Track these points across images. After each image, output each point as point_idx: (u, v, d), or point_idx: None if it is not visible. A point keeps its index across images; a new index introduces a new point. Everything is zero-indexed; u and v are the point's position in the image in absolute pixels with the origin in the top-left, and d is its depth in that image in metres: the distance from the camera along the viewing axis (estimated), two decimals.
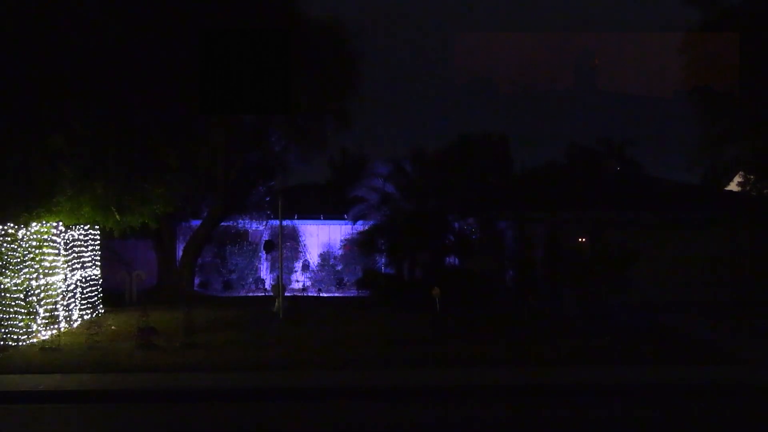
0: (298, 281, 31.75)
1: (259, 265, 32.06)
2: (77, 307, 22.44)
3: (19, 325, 18.74)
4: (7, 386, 14.52)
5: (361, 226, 29.98)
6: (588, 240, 27.50)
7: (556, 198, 30.04)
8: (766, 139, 25.05)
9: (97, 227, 24.13)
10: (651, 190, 31.36)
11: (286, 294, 24.43)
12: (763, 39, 24.08)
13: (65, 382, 14.84)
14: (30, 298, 19.26)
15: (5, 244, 18.64)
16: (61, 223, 21.19)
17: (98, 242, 24.72)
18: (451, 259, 29.64)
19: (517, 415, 13.22)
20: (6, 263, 18.62)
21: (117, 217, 21.68)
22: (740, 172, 28.18)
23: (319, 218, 33.27)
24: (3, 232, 18.64)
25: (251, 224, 32.02)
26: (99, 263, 24.76)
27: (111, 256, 27.98)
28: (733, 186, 29.80)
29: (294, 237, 32.26)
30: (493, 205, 30.20)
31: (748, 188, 27.71)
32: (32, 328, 19.25)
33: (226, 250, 31.67)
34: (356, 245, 30.02)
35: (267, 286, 30.43)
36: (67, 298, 21.48)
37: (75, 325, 21.92)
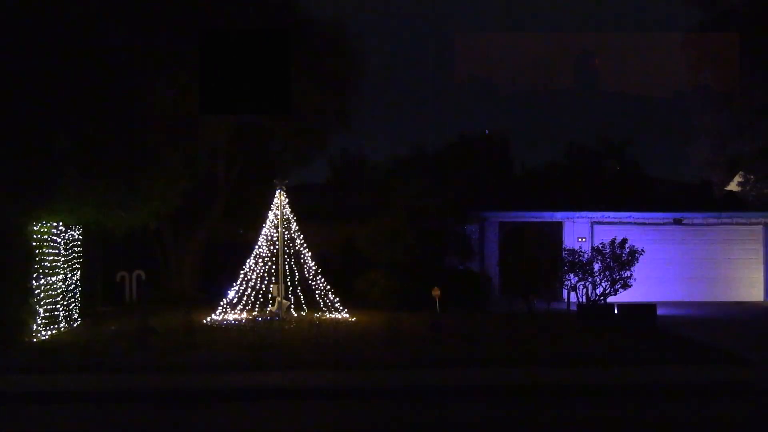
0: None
1: None
2: (77, 307, 22.45)
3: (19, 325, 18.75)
4: (7, 386, 14.52)
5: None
6: (588, 240, 27.52)
7: (556, 198, 30.06)
8: (766, 139, 25.04)
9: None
10: (651, 190, 31.39)
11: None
12: (763, 39, 24.07)
13: (65, 382, 14.85)
14: (30, 299, 19.27)
15: None
16: (61, 223, 21.20)
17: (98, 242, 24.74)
18: (451, 259, 29.63)
19: (517, 415, 13.23)
20: None
21: (123, 215, 21.71)
22: (740, 172, 28.18)
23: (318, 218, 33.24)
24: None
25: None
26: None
27: (111, 256, 27.98)
28: (733, 186, 29.81)
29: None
30: (493, 205, 30.21)
31: (748, 188, 27.71)
32: (32, 328, 19.26)
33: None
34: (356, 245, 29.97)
35: None
36: (67, 298, 21.50)
37: (75, 325, 21.93)
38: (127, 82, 21.38)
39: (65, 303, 21.35)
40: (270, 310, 23.46)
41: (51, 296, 20.37)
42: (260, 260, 23.46)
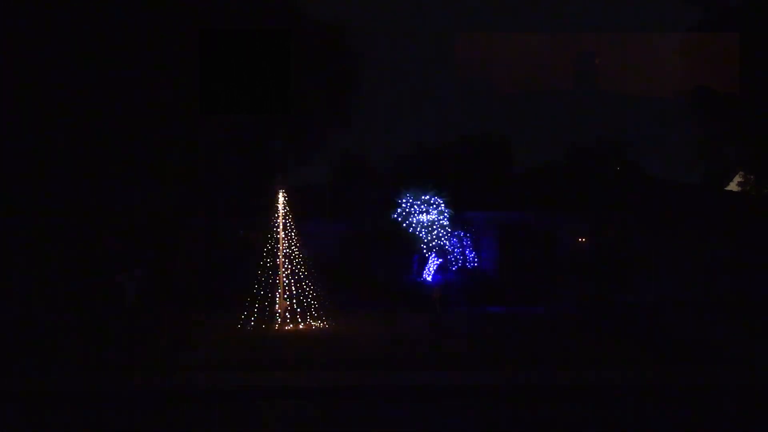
0: None
1: None
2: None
3: None
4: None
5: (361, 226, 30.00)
6: (588, 240, 27.51)
7: (556, 198, 30.03)
8: (766, 139, 25.03)
9: None
10: (651, 190, 31.34)
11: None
12: (763, 39, 24.07)
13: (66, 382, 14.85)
14: None
15: None
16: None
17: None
18: (451, 259, 29.62)
19: (516, 415, 13.23)
20: None
21: (123, 215, 21.74)
22: (740, 172, 28.16)
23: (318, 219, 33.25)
24: None
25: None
26: None
27: (110, 255, 27.93)
28: (733, 186, 29.79)
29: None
30: (492, 205, 30.19)
31: (748, 188, 27.71)
32: None
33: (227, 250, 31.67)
34: (357, 246, 30.00)
35: None
36: None
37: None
38: (127, 82, 21.41)
39: None
40: (270, 310, 23.44)
41: None
42: (260, 260, 23.43)
